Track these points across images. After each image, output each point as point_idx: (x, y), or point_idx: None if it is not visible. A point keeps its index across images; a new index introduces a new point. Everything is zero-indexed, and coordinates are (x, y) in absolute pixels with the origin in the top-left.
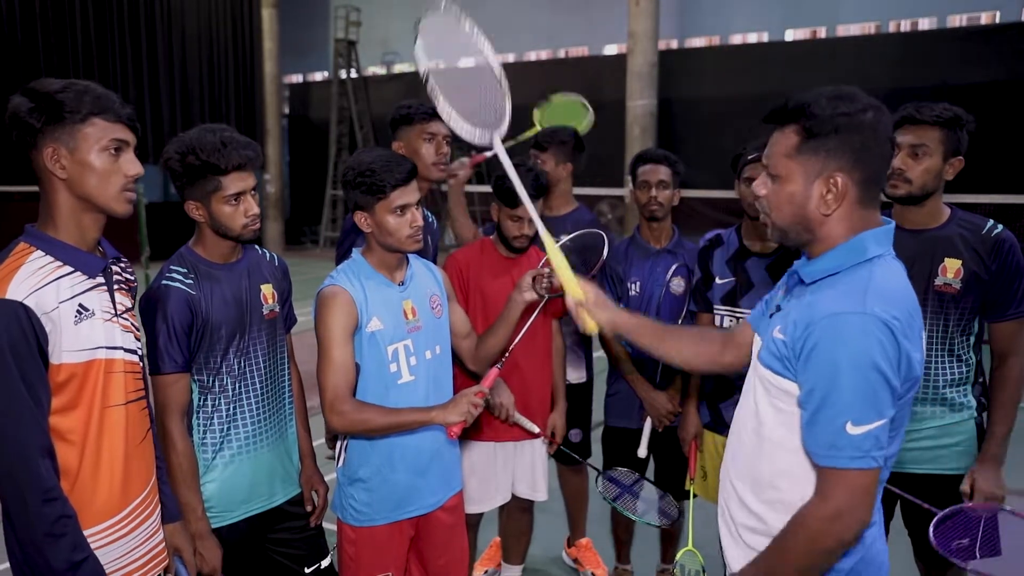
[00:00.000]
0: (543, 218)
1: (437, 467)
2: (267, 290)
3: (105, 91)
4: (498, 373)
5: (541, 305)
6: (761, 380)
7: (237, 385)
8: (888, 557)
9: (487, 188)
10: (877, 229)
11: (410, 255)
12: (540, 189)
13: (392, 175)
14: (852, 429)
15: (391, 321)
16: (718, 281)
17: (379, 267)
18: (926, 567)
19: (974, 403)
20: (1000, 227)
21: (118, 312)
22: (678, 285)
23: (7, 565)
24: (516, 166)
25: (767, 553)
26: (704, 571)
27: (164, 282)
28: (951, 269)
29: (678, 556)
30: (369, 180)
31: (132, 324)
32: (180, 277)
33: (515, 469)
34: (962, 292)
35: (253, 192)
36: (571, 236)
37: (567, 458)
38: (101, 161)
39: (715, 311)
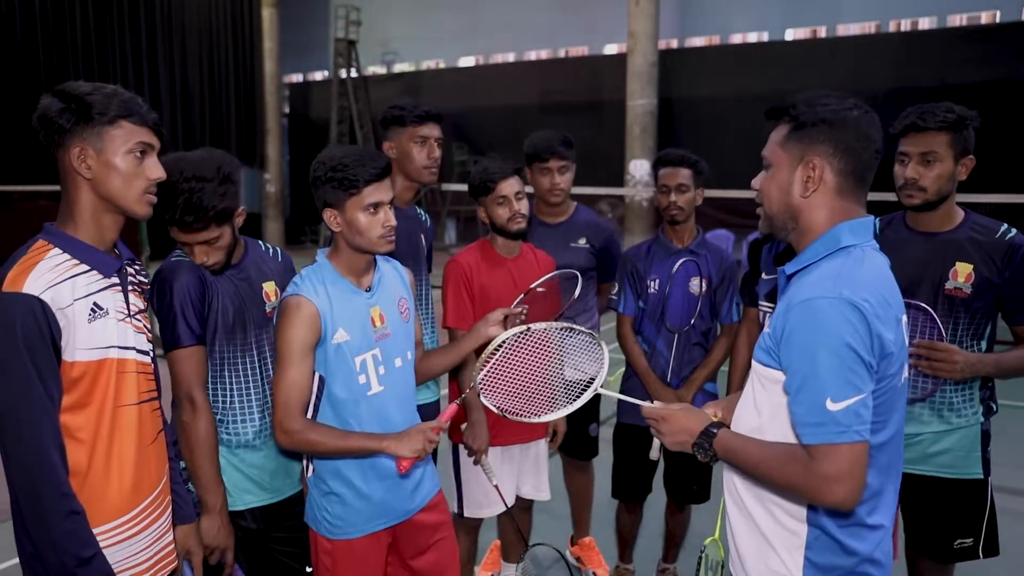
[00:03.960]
0: (548, 227)
1: (412, 475)
2: (269, 288)
3: (132, 95)
4: (457, 410)
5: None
6: (757, 376)
7: (239, 382)
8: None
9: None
10: (854, 220)
11: (378, 256)
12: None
13: (365, 170)
14: (832, 406)
15: (358, 331)
16: (764, 277)
17: (345, 272)
18: (914, 557)
19: (980, 408)
20: (1014, 231)
21: (131, 313)
22: (696, 285)
23: (10, 563)
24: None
25: (760, 449)
26: (723, 567)
27: (174, 259)
28: (962, 273)
29: (707, 541)
30: (340, 175)
31: (144, 326)
32: (187, 258)
33: (520, 471)
34: (972, 296)
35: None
36: (559, 272)
37: (574, 451)
38: (126, 163)
39: (760, 307)
